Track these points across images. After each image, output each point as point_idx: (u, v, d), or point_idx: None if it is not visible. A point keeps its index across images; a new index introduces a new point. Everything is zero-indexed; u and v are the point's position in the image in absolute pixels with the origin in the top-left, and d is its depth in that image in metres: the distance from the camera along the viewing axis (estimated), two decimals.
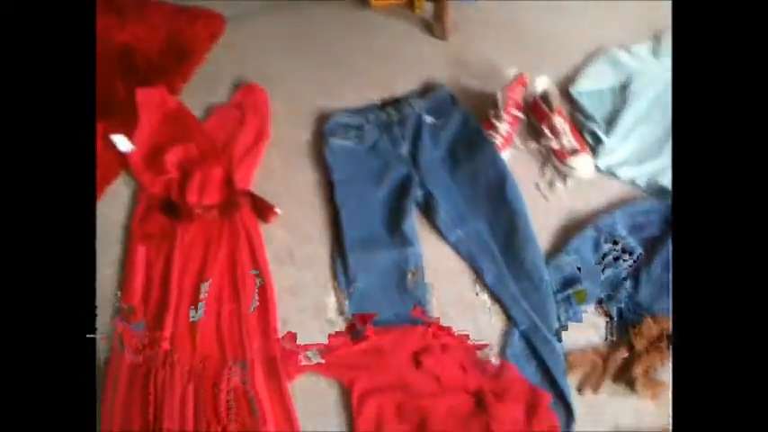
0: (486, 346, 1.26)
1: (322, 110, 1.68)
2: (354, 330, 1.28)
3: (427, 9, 1.95)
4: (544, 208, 1.49)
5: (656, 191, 1.50)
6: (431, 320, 1.29)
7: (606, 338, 1.28)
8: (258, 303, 1.29)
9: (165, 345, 1.22)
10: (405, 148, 1.56)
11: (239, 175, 1.51)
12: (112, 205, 1.49)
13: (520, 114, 1.63)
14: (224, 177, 1.50)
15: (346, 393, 1.20)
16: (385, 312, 1.31)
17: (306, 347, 1.24)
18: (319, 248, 1.42)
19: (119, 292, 1.32)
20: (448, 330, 1.28)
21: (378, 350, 1.23)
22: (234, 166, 1.52)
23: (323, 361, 1.22)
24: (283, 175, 1.56)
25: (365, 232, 1.42)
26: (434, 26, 1.90)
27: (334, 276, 1.38)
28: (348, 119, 1.61)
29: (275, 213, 1.45)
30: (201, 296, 1.28)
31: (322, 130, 1.60)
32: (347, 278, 1.36)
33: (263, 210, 1.45)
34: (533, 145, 1.62)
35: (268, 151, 1.60)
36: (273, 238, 1.43)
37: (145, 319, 1.27)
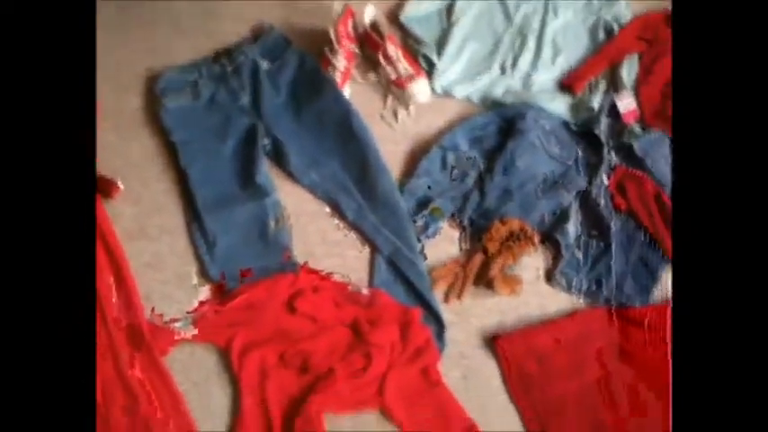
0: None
1: (151, 71, 1.58)
2: (222, 291, 1.26)
3: None
4: (391, 136, 1.53)
5: (489, 104, 1.59)
6: (298, 265, 1.31)
7: (462, 248, 1.37)
8: (114, 283, 1.23)
9: None
10: (245, 98, 1.52)
11: None
12: None
13: (354, 47, 1.63)
14: None
15: (225, 355, 1.20)
16: (251, 265, 1.31)
17: (174, 320, 1.22)
18: (171, 217, 1.38)
19: None
20: (316, 271, 1.30)
21: (250, 305, 1.24)
22: None
23: (195, 330, 1.20)
24: (119, 147, 1.47)
25: (217, 190, 1.39)
26: None
27: (193, 241, 1.34)
28: (179, 75, 1.53)
29: (117, 188, 1.38)
30: None
31: (153, 92, 1.51)
32: (207, 241, 1.34)
33: (103, 187, 1.37)
34: (372, 76, 1.63)
35: (99, 125, 1.49)
36: (120, 214, 1.36)
37: None
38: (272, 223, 1.36)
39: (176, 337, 1.20)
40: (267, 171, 1.44)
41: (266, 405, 1.14)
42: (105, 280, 1.23)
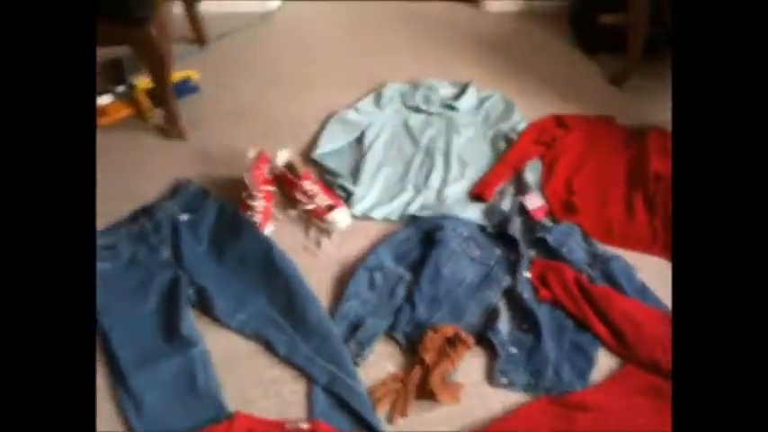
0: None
1: None
2: None
3: (159, 115, 1.97)
4: (317, 265, 1.54)
5: (408, 220, 1.65)
6: (233, 413, 1.24)
7: (401, 363, 1.34)
8: None
9: None
10: (165, 252, 1.53)
11: None
12: None
13: (271, 188, 1.70)
14: None
15: None
16: (183, 421, 1.24)
17: None
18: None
19: None
20: (251, 416, 1.24)
21: None
22: None
23: None
24: None
25: (140, 348, 1.34)
26: (170, 130, 1.92)
27: (120, 404, 1.27)
28: (99, 240, 1.53)
29: None
30: None
31: None
32: (134, 402, 1.26)
33: None
34: (292, 212, 1.68)
35: None
36: None
37: None
38: (200, 374, 1.31)
39: None
40: (192, 322, 1.41)
41: None
42: None
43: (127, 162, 1.84)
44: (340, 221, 1.63)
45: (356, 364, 1.33)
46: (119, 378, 1.30)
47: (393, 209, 1.68)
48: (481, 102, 2.07)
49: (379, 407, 1.26)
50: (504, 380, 1.29)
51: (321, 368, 1.31)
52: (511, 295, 1.43)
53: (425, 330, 1.35)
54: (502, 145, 1.89)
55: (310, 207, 1.64)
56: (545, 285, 1.43)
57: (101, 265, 1.48)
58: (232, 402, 1.28)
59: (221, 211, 1.62)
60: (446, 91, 2.11)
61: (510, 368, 1.30)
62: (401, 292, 1.46)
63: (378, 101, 2.06)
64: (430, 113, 2.02)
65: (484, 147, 1.90)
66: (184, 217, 1.60)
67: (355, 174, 1.78)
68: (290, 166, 1.72)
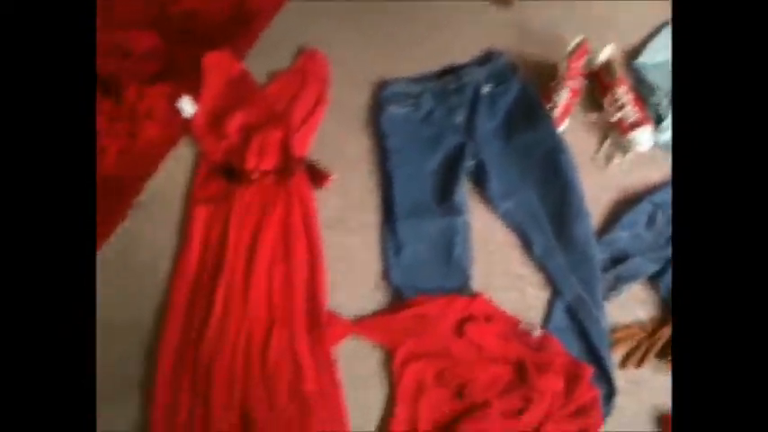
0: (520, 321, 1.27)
1: (380, 77, 1.69)
2: (400, 297, 1.31)
3: None
4: (600, 182, 1.46)
5: None
6: (475, 292, 1.31)
7: (653, 316, 1.27)
8: (308, 267, 1.34)
9: (218, 307, 1.29)
10: (460, 117, 1.56)
11: (297, 139, 1.55)
12: (176, 169, 1.57)
13: (581, 85, 1.59)
14: (282, 142, 1.54)
15: (388, 358, 1.25)
16: (430, 281, 1.34)
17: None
18: (370, 215, 1.46)
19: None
20: (491, 302, 1.29)
21: (422, 317, 1.26)
22: (293, 131, 1.56)
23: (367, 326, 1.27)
24: (338, 140, 1.59)
25: (415, 200, 1.44)
26: None
27: (383, 243, 1.41)
28: (405, 87, 1.62)
29: (330, 179, 1.49)
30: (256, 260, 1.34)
31: (379, 97, 1.62)
32: (395, 245, 1.40)
33: (317, 176, 1.49)
34: (594, 116, 1.57)
35: (324, 116, 1.64)
36: (326, 203, 1.47)
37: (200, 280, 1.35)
38: (458, 244, 1.37)
39: (349, 329, 1.27)
40: (465, 192, 1.46)
41: (417, 418, 1.16)
42: (300, 260, 1.34)
43: (444, 16, 1.84)
44: (642, 143, 1.48)
45: (607, 297, 1.28)
46: (389, 219, 1.43)
47: None
48: None
49: (616, 348, 1.22)
50: None
51: (571, 285, 1.30)
52: None
53: None
54: None
55: (614, 118, 1.52)
56: None
57: (402, 109, 1.57)
58: (476, 283, 1.34)
59: (524, 92, 1.58)
60: None
61: None
62: None
63: None
64: None
65: None
66: (486, 88, 1.59)
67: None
68: (608, 66, 1.58)
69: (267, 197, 1.44)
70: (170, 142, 1.61)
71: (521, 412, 1.14)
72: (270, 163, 1.51)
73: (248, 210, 1.42)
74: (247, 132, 1.56)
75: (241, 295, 1.30)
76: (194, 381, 1.22)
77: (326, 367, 1.22)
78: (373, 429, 1.19)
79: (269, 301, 1.30)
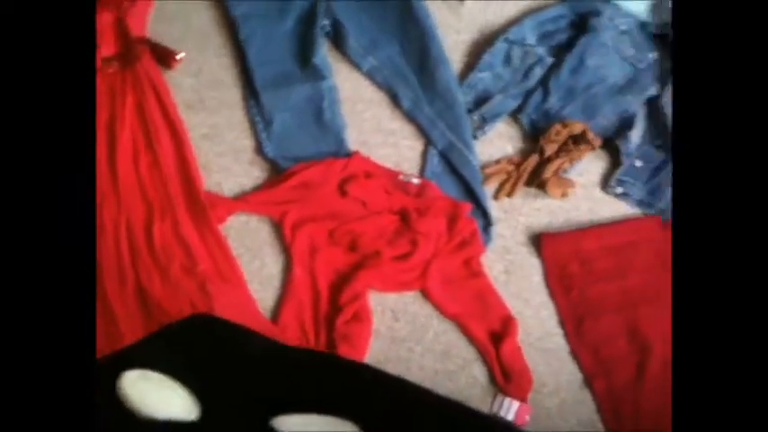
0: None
1: None
2: (278, 169, 1.29)
3: None
4: (455, 24, 1.47)
5: None
6: (352, 152, 1.31)
7: (519, 148, 1.35)
8: (175, 152, 1.27)
9: None
10: None
11: (133, 20, 1.40)
12: None
13: None
14: (116, 24, 1.39)
15: (278, 227, 1.24)
16: (305, 148, 1.32)
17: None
18: (229, 91, 1.38)
19: None
20: (369, 159, 1.31)
21: (304, 185, 1.26)
22: (125, 10, 1.40)
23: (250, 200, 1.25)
24: (180, 16, 1.45)
25: (276, 68, 1.38)
26: None
27: (250, 117, 1.36)
28: None
29: (177, 59, 1.38)
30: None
31: None
32: (263, 118, 1.35)
33: (163, 56, 1.37)
34: None
35: None
36: (180, 84, 1.37)
37: None
38: (327, 108, 1.35)
39: (233, 207, 1.24)
40: (325, 54, 1.41)
41: (315, 276, 1.19)
42: (165, 147, 1.27)
43: None
44: None
45: (475, 137, 1.34)
46: (252, 92, 1.37)
47: None
48: None
49: (488, 182, 1.30)
50: (619, 189, 1.28)
51: (441, 133, 1.33)
52: (653, 107, 1.34)
53: (552, 121, 1.32)
54: None
55: None
56: None
57: None
58: (351, 143, 1.34)
59: None
60: None
61: (629, 180, 1.28)
62: (537, 74, 1.39)
63: None
64: None
65: None
66: None
67: None
68: None
69: (114, 86, 1.31)
70: None
71: (409, 255, 1.20)
72: (108, 49, 1.37)
73: (97, 104, 1.29)
74: None
75: (112, 194, 1.22)
76: None
77: (218, 245, 1.20)
78: (276, 297, 1.21)
79: (143, 194, 1.23)
